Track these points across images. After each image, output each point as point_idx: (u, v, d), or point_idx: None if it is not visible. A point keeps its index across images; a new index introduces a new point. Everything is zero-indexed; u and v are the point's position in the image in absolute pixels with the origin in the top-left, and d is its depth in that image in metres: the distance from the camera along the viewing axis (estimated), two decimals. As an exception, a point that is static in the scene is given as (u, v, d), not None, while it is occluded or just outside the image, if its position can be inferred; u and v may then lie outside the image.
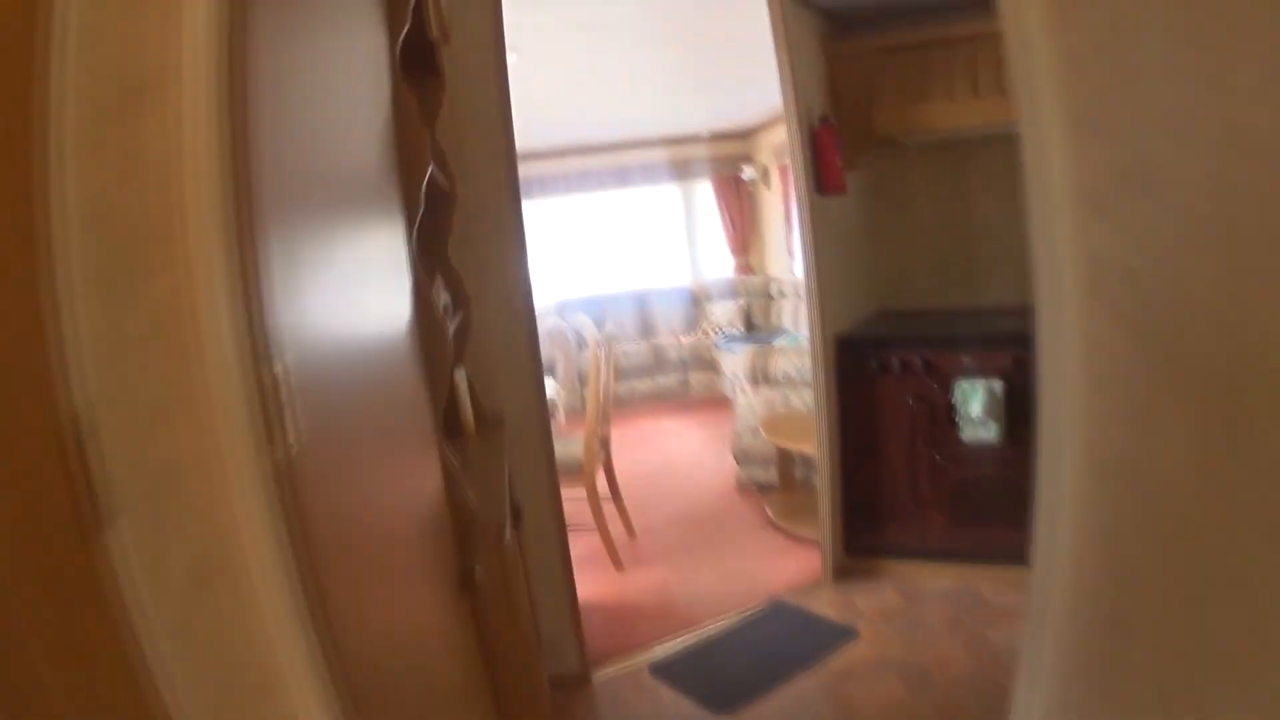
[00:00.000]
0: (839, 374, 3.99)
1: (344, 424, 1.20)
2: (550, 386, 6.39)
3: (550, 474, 3.30)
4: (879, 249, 4.63)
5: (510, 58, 4.35)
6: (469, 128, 3.03)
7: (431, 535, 1.73)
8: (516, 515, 2.65)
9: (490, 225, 3.10)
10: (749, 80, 6.00)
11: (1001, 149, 4.32)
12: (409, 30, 2.34)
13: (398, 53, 1.83)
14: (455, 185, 2.92)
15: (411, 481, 1.60)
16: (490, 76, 3.04)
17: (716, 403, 8.08)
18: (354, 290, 1.29)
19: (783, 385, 5.21)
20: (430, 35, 2.36)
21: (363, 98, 1.50)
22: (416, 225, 1.85)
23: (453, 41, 2.99)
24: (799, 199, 3.89)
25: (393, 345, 1.55)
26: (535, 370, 3.23)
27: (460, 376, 2.90)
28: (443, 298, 2.74)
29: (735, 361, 5.46)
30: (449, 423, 2.94)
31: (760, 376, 5.29)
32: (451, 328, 2.64)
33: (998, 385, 3.64)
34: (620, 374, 8.47)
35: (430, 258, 2.93)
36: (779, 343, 6.64)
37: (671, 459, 6.61)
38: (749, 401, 5.40)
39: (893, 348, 3.91)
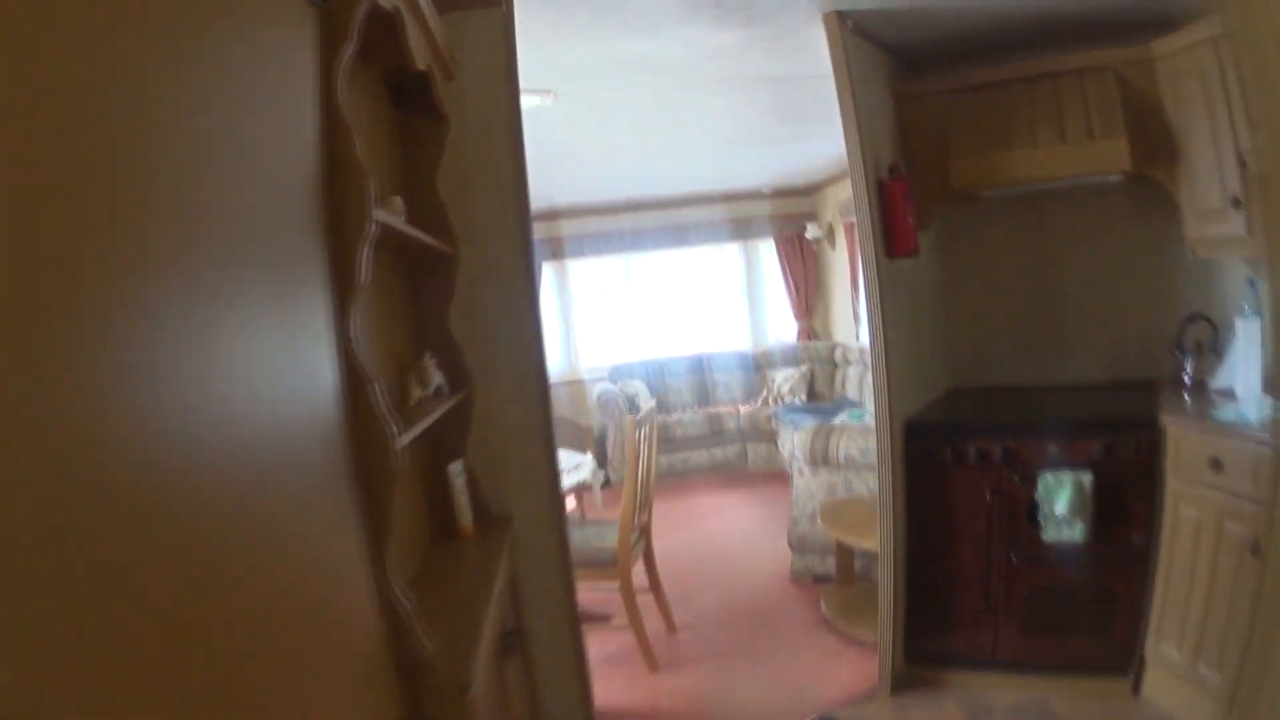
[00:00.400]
0: (907, 464, 3.48)
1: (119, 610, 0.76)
2: (586, 467, 5.93)
3: (565, 578, 2.84)
4: (954, 318, 4.19)
5: (544, 100, 4.03)
6: (477, 177, 2.64)
7: (353, 701, 1.30)
8: (511, 643, 2.20)
9: (500, 290, 2.69)
10: (812, 129, 5.59)
11: (1093, 203, 3.88)
12: (395, 61, 1.97)
13: (338, 79, 1.42)
14: (457, 244, 2.54)
15: (309, 641, 1.16)
16: (501, 118, 2.64)
17: (776, 477, 7.51)
18: (183, 404, 0.86)
19: (844, 468, 4.67)
20: (413, 66, 1.96)
21: (239, 130, 1.09)
22: (357, 298, 1.43)
23: (464, 78, 2.63)
24: (865, 264, 3.40)
25: (278, 470, 1.12)
26: (549, 457, 2.78)
27: (456, 470, 2.49)
28: (436, 377, 2.34)
29: (794, 439, 4.95)
30: (443, 526, 2.52)
31: (820, 458, 4.76)
32: (444, 407, 2.23)
33: (1086, 478, 3.15)
34: (675, 445, 8.05)
35: (424, 330, 2.54)
36: (841, 419, 6.09)
37: (723, 541, 6.12)
38: (807, 484, 4.87)
39: (969, 435, 3.41)
